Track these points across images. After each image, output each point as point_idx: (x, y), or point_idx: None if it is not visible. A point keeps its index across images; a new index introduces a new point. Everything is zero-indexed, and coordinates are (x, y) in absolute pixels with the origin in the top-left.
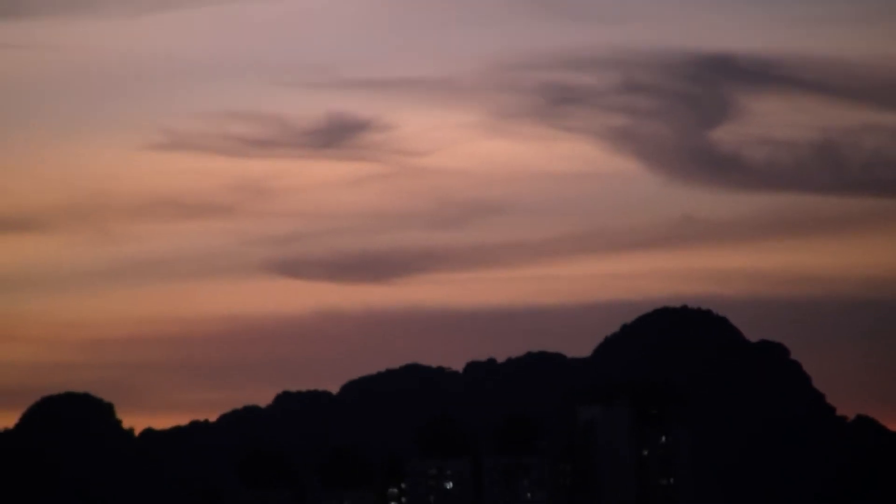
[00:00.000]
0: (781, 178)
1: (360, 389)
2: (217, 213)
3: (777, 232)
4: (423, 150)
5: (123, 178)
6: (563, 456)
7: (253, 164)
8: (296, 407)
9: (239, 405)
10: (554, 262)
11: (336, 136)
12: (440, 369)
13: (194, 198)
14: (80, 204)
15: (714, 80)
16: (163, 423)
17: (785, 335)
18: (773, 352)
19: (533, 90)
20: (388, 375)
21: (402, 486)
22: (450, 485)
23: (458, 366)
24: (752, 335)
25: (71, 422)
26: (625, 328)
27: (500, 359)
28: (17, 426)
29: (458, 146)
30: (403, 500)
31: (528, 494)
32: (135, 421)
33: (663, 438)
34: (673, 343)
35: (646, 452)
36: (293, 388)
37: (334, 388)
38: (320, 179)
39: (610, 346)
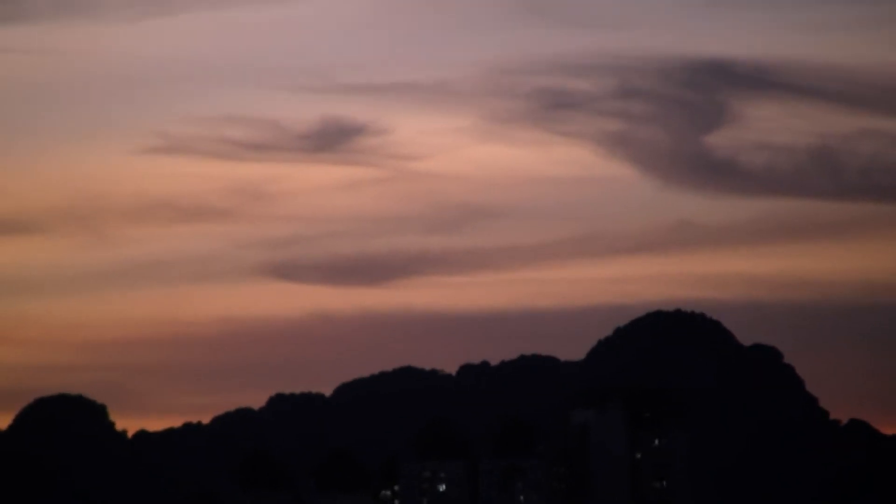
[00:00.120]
0: (778, 183)
1: (354, 392)
2: (213, 217)
3: (773, 237)
4: (419, 155)
5: (120, 182)
6: (558, 459)
7: (249, 168)
8: (289, 409)
9: (232, 407)
10: (548, 266)
11: (332, 140)
12: (434, 372)
13: (190, 201)
14: (76, 207)
15: (710, 86)
16: (156, 425)
17: (779, 339)
18: (766, 356)
19: (528, 95)
20: (382, 378)
21: (396, 488)
22: (444, 487)
23: (451, 369)
24: (746, 339)
25: (64, 424)
26: (618, 332)
27: (494, 362)
28: (10, 428)
29: (454, 151)
30: (397, 502)
31: (522, 497)
32: (128, 423)
33: (657, 442)
34: (667, 347)
35: (640, 456)
36: (286, 390)
37: (328, 391)
38: (316, 183)
39: (603, 350)
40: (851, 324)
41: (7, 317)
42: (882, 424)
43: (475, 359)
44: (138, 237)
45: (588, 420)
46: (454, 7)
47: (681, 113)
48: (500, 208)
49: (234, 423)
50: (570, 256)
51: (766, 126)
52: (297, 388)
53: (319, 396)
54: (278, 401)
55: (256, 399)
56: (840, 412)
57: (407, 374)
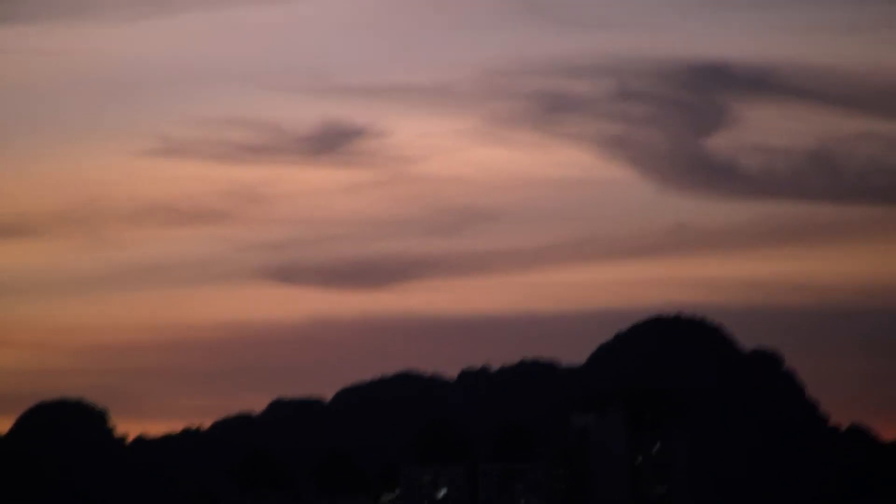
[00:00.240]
0: (776, 185)
1: (355, 396)
2: (212, 220)
3: (772, 240)
4: (418, 157)
5: (119, 184)
6: (558, 462)
7: (248, 171)
8: (289, 414)
9: (232, 412)
10: (548, 270)
11: (331, 142)
12: (434, 376)
13: (189, 204)
14: (75, 209)
15: (709, 88)
16: (156, 429)
17: (779, 344)
18: (767, 360)
19: (527, 97)
20: (383, 382)
21: (397, 492)
22: (444, 491)
23: (452, 373)
24: (747, 344)
25: (64, 428)
26: (619, 336)
27: (495, 366)
28: (10, 432)
29: (453, 153)
30: None
31: (523, 501)
32: (128, 427)
33: (658, 446)
34: (667, 351)
35: (640, 460)
36: (287, 394)
37: (328, 395)
38: (315, 186)
39: (604, 354)
40: (851, 328)
41: (6, 320)
42: (882, 430)
43: (476, 363)
44: (137, 240)
45: (588, 423)
46: (453, 9)
47: (679, 115)
48: (500, 211)
49: (234, 427)
50: (569, 259)
51: (765, 128)
52: (298, 392)
53: (320, 401)
54: (279, 405)
55: (256, 403)
56: (840, 417)
57: (407, 379)
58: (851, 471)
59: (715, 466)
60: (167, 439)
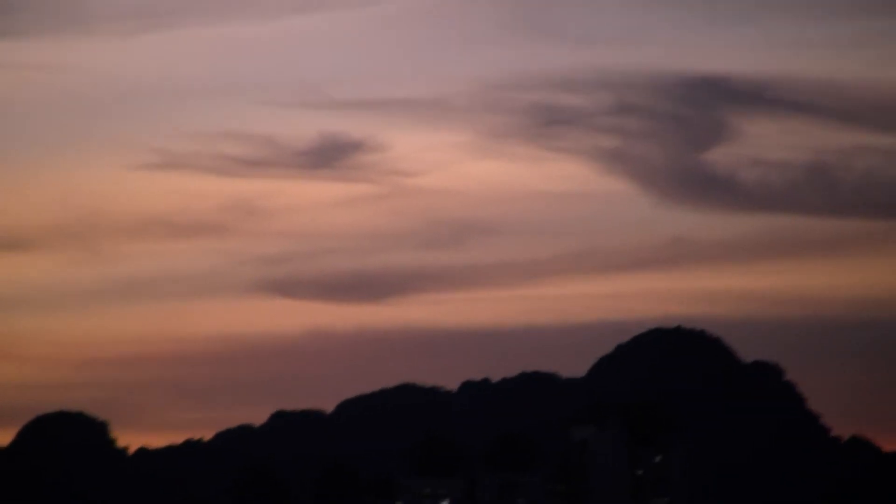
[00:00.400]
0: (774, 199)
1: (355, 408)
2: (210, 233)
3: (770, 253)
4: (415, 171)
5: (116, 198)
6: (557, 475)
7: (245, 184)
8: (290, 426)
9: (233, 424)
10: (547, 283)
11: (328, 156)
12: (434, 389)
13: (187, 217)
14: (72, 224)
15: (706, 102)
16: (157, 442)
17: (779, 356)
18: (767, 372)
19: (524, 111)
20: (383, 395)
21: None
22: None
23: (452, 385)
24: (746, 356)
25: (65, 441)
26: (619, 349)
27: (495, 378)
28: (11, 445)
29: (450, 167)
30: None
31: None
32: (129, 440)
33: (657, 458)
34: (667, 364)
35: (640, 472)
36: (287, 407)
37: (329, 408)
38: (313, 199)
39: (604, 367)
40: (849, 340)
41: (7, 334)
42: (883, 441)
43: (476, 375)
44: (136, 253)
45: (588, 436)
46: (451, 24)
47: (677, 129)
48: (497, 224)
49: (236, 439)
50: (568, 272)
51: (763, 142)
52: (298, 404)
53: (320, 413)
54: (279, 417)
55: (258, 416)
56: (841, 428)
57: (408, 391)
58: (853, 481)
59: (714, 478)
60: (169, 451)
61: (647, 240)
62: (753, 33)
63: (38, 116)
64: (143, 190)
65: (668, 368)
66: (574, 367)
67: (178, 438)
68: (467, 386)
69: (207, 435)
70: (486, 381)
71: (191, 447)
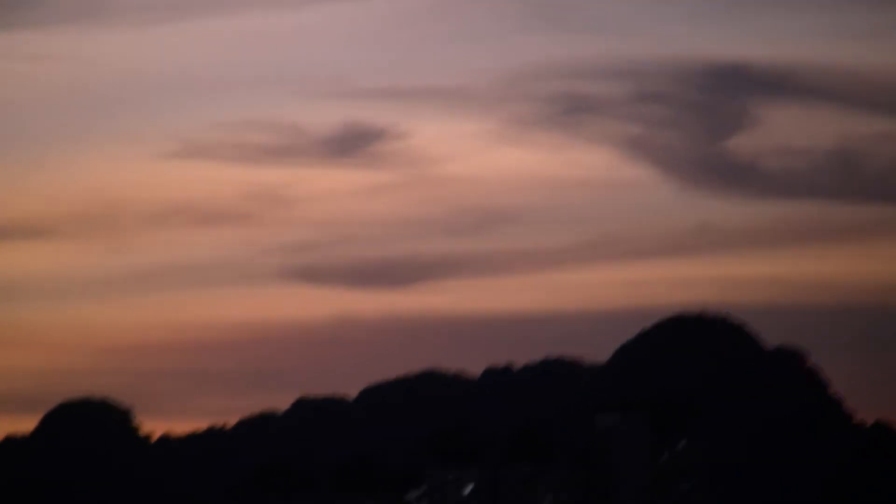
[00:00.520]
0: (797, 186)
1: (378, 395)
2: (233, 221)
3: (793, 240)
4: (439, 159)
5: (139, 187)
6: (580, 463)
7: (269, 173)
8: (313, 413)
9: (256, 411)
10: (571, 269)
11: (352, 144)
12: (457, 375)
13: (210, 206)
14: (96, 212)
15: (729, 89)
16: (180, 429)
17: (802, 341)
18: (790, 358)
19: (547, 99)
20: (406, 381)
21: (420, 492)
22: (468, 490)
23: (475, 372)
24: (770, 341)
25: (88, 427)
26: (642, 335)
27: (517, 365)
28: (34, 432)
29: (474, 155)
30: None
31: (545, 500)
32: (152, 426)
33: (681, 446)
34: (690, 350)
35: (663, 459)
36: (310, 394)
37: (352, 394)
38: (336, 187)
39: (627, 353)
40: (872, 326)
41: (30, 321)
42: None
43: (499, 362)
44: (160, 242)
45: (612, 424)
46: (472, 13)
47: (699, 117)
48: (521, 211)
49: (259, 426)
50: (592, 259)
51: (785, 129)
52: (322, 391)
53: (344, 400)
54: (302, 404)
55: (280, 403)
56: (864, 414)
57: (431, 378)
58: (877, 467)
59: (737, 465)
60: (192, 438)
61: (672, 227)
62: (775, 20)
63: (61, 107)
64: (167, 179)
65: (692, 354)
66: (597, 353)
67: (201, 425)
68: (490, 372)
69: (231, 422)
70: (508, 368)
71: (214, 434)
